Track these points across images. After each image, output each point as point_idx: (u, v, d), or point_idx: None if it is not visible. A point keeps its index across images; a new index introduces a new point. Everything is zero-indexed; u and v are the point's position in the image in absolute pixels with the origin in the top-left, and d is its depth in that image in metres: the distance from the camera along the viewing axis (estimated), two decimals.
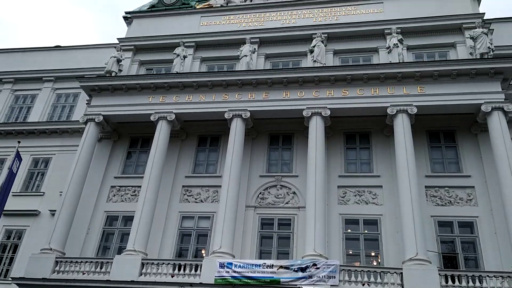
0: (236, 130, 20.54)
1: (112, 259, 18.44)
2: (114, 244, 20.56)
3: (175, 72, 22.64)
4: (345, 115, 20.90)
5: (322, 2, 24.93)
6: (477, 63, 19.61)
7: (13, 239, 22.35)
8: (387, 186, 19.66)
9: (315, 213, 17.84)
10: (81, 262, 18.76)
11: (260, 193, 20.70)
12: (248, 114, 20.90)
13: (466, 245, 18.24)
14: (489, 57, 19.97)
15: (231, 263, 17.24)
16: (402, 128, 19.23)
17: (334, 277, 16.37)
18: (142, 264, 18.05)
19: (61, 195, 21.02)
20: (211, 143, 22.72)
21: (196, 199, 21.18)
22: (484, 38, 20.35)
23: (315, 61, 21.47)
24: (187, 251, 19.93)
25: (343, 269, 16.81)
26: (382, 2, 24.12)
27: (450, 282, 16.09)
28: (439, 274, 16.10)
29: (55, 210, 20.63)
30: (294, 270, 16.64)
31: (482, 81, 19.55)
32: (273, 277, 16.74)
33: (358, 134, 21.52)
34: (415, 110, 19.54)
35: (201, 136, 22.92)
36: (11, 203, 21.47)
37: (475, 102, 19.31)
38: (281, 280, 16.63)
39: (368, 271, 16.79)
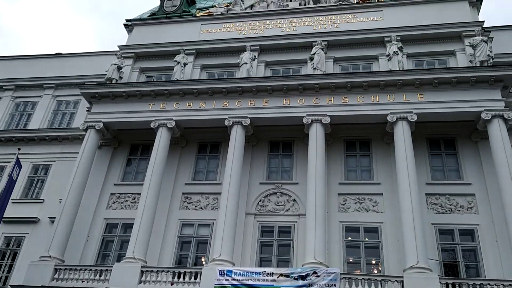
0: (236, 137, 20.54)
1: (112, 266, 18.36)
2: (114, 252, 20.47)
3: (176, 79, 22.68)
4: (345, 123, 20.91)
5: (322, 10, 25.03)
6: (477, 71, 19.65)
7: (12, 247, 22.26)
8: (387, 194, 19.62)
9: (315, 221, 17.78)
10: (80, 269, 18.67)
11: (260, 200, 20.66)
12: (248, 121, 20.91)
13: (467, 253, 18.16)
14: (489, 64, 20.01)
15: (231, 271, 17.15)
16: (402, 135, 19.23)
17: (335, 285, 16.25)
18: (142, 272, 17.96)
19: (60, 202, 20.97)
20: (211, 150, 22.70)
21: (196, 206, 21.13)
22: (483, 46, 20.40)
23: (315, 68, 21.52)
24: (187, 259, 19.84)
25: (344, 277, 16.73)
26: (382, 10, 24.23)
27: None
28: (440, 282, 16.01)
29: (54, 218, 20.58)
30: (294, 278, 16.54)
31: (482, 89, 19.57)
32: (273, 285, 16.64)
33: (358, 141, 21.51)
34: (415, 118, 19.54)
35: (201, 143, 22.92)
36: (11, 210, 21.39)
37: (475, 110, 19.32)
38: None
39: (369, 279, 16.71)
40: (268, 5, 26.21)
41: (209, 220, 20.47)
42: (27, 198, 23.81)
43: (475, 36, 21.07)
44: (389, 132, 20.21)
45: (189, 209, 21.10)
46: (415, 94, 20.05)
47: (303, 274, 16.56)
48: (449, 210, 19.00)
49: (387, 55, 21.40)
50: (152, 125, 21.66)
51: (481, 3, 24.18)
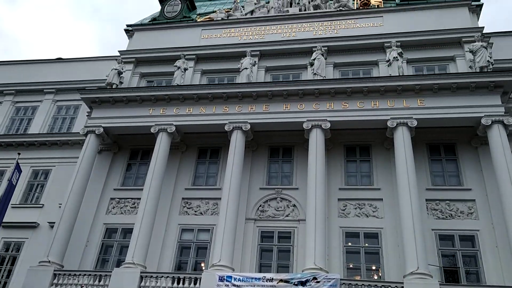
0: (236, 143, 20.54)
1: (111, 272, 18.29)
2: (113, 257, 20.40)
3: (176, 84, 22.72)
4: (345, 128, 20.92)
5: (322, 15, 25.11)
6: (477, 77, 19.68)
7: (11, 252, 22.19)
8: (387, 199, 19.59)
9: (315, 226, 17.75)
10: (80, 275, 18.60)
11: (260, 205, 20.63)
12: (248, 127, 20.92)
13: (468, 259, 18.11)
14: (489, 70, 20.04)
15: (230, 277, 17.09)
16: (402, 141, 19.23)
17: None
18: (141, 277, 17.89)
19: (60, 207, 20.94)
20: (211, 155, 22.69)
21: (195, 211, 21.09)
22: (483, 52, 20.44)
23: (315, 74, 21.55)
24: (186, 264, 19.78)
25: (344, 283, 16.66)
26: (382, 16, 24.30)
27: None
28: None
29: (54, 222, 20.52)
30: (294, 284, 16.46)
31: (482, 95, 19.59)
32: None
33: (358, 146, 21.51)
34: (415, 123, 19.55)
35: (201, 148, 22.91)
36: (10, 215, 21.32)
37: (475, 115, 19.33)
38: None
39: (369, 285, 16.65)
40: (268, 11, 26.31)
41: (209, 225, 20.43)
42: (27, 202, 23.76)
43: (475, 42, 21.12)
44: (389, 137, 20.22)
45: (189, 214, 21.07)
46: (415, 100, 20.07)
47: (303, 279, 16.50)
48: (449, 216, 18.96)
49: (387, 61, 21.44)
50: (152, 130, 21.67)
51: (480, 9, 24.28)
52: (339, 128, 20.72)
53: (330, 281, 16.35)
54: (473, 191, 19.30)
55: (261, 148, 22.09)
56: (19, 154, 21.62)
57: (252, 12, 26.57)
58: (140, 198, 20.18)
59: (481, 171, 19.57)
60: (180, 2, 28.77)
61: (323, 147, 19.91)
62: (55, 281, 18.46)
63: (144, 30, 27.28)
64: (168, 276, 17.93)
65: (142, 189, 20.44)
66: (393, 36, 22.69)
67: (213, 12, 27.82)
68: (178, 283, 17.66)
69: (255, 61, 23.32)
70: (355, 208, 19.79)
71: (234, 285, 16.87)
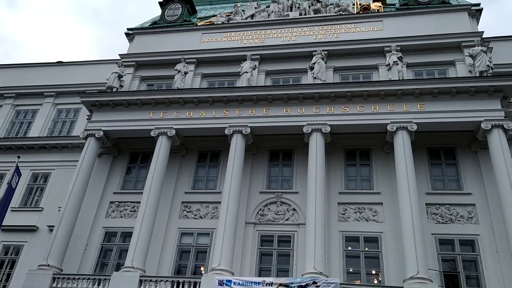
0: (236, 146, 20.54)
1: (110, 275, 18.25)
2: (112, 261, 20.36)
3: (176, 88, 22.74)
4: (345, 132, 20.93)
5: (322, 19, 25.17)
6: (477, 81, 19.71)
7: (10, 255, 22.13)
8: (387, 203, 19.58)
9: (315, 230, 17.72)
10: (79, 278, 18.54)
11: (260, 209, 20.61)
12: (248, 130, 20.92)
13: (468, 264, 18.06)
14: (489, 75, 20.08)
15: (230, 281, 17.04)
16: (402, 145, 19.24)
17: None
18: (140, 281, 17.83)
19: (59, 210, 20.91)
20: (211, 159, 22.69)
21: (195, 215, 21.06)
22: (483, 56, 20.48)
23: (315, 77, 21.58)
24: (186, 268, 19.74)
25: (344, 287, 16.61)
26: (382, 20, 24.37)
27: None
28: None
29: (53, 226, 20.49)
30: None
31: (481, 99, 19.62)
32: None
33: (358, 150, 21.51)
34: (415, 127, 19.56)
35: (201, 152, 22.91)
36: (10, 218, 21.30)
37: (475, 120, 19.35)
38: None
39: None
40: (268, 15, 26.38)
41: (208, 229, 20.39)
42: (26, 206, 23.71)
43: (475, 46, 21.18)
44: (389, 141, 20.22)
45: (188, 218, 21.03)
46: (415, 104, 20.09)
47: (303, 284, 16.46)
48: (449, 220, 18.94)
49: (387, 65, 21.47)
50: (152, 134, 21.68)
51: (480, 14, 24.35)
52: (339, 132, 20.73)
53: (330, 286, 16.31)
54: (473, 195, 19.28)
55: (261, 152, 22.09)
56: (18, 157, 21.63)
57: (252, 16, 26.63)
58: (139, 202, 20.15)
59: (481, 175, 19.57)
60: (180, 6, 28.83)
61: (323, 151, 19.91)
62: (54, 284, 18.40)
63: (144, 33, 27.34)
64: (167, 280, 17.87)
65: (141, 193, 20.42)
66: (393, 41, 22.74)
67: (214, 16, 27.88)
68: (178, 287, 17.61)
69: (255, 65, 23.36)
70: (355, 212, 19.76)
71: None
